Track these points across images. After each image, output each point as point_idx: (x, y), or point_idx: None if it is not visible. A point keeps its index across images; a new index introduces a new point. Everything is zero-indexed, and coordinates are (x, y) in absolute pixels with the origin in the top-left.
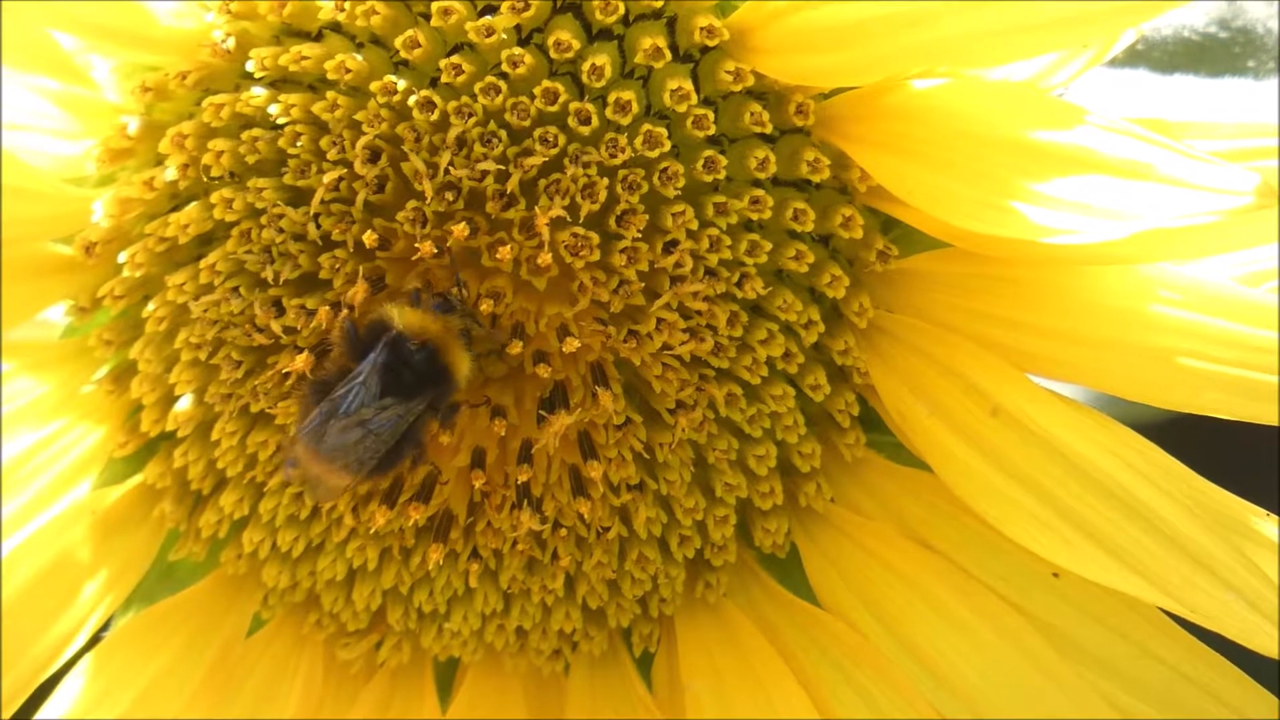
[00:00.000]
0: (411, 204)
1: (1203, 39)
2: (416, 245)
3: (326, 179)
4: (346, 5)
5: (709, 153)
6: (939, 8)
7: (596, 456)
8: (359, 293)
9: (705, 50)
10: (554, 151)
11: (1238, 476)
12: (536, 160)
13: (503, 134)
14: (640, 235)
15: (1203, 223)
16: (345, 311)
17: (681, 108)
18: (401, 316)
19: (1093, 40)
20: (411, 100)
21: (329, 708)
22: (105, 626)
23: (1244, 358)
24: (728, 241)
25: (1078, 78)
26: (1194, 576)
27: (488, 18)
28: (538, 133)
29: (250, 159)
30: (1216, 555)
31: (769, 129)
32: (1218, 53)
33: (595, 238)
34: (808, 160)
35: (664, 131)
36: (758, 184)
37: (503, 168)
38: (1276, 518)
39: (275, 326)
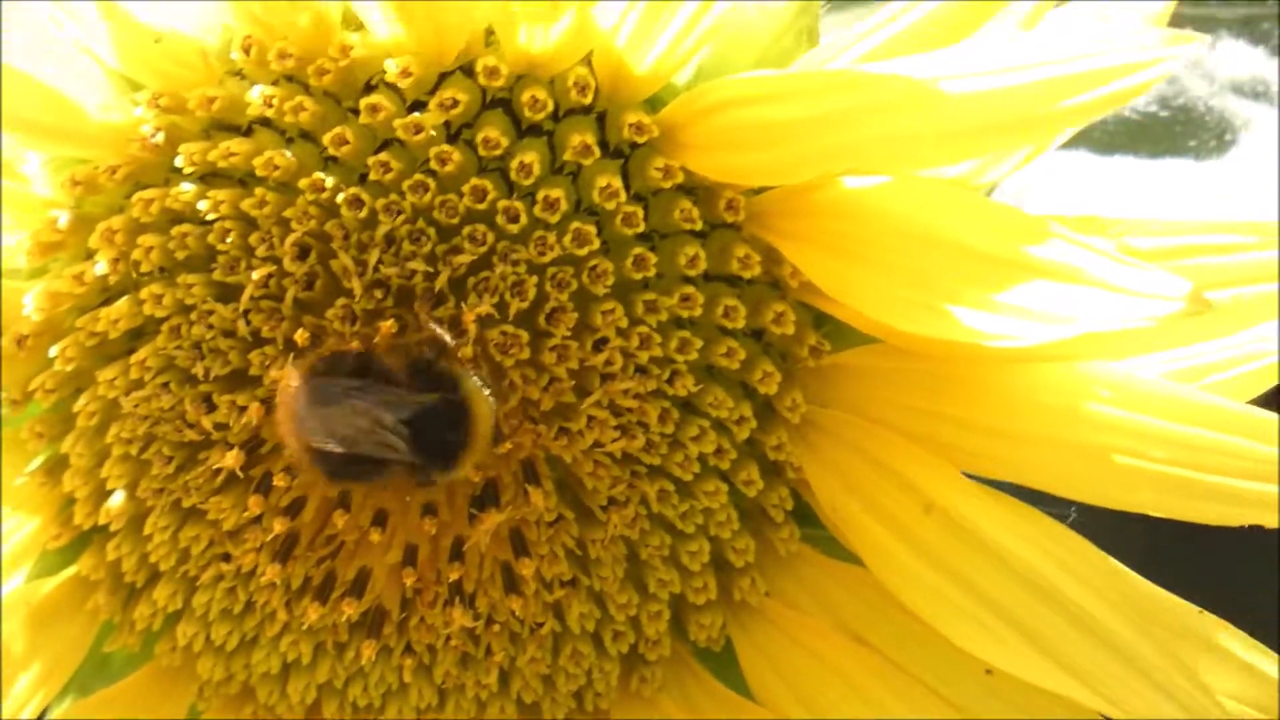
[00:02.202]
0: (341, 301)
1: (1143, 118)
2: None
3: (256, 275)
4: (275, 101)
5: (639, 250)
6: (866, 109)
7: (529, 553)
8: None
9: (635, 146)
10: (483, 249)
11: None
12: (465, 258)
13: (431, 231)
14: (570, 333)
15: (1135, 327)
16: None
17: (611, 205)
18: (480, 406)
19: (1028, 144)
20: (340, 197)
21: None
22: (40, 718)
23: (1178, 455)
24: (658, 339)
25: (1013, 173)
26: (1125, 676)
27: (416, 114)
28: (466, 230)
29: (180, 254)
30: (1146, 655)
31: (699, 225)
32: (1159, 132)
33: (525, 335)
34: (738, 256)
35: (593, 229)
36: (688, 280)
37: (430, 268)
38: (1209, 616)
39: (206, 423)
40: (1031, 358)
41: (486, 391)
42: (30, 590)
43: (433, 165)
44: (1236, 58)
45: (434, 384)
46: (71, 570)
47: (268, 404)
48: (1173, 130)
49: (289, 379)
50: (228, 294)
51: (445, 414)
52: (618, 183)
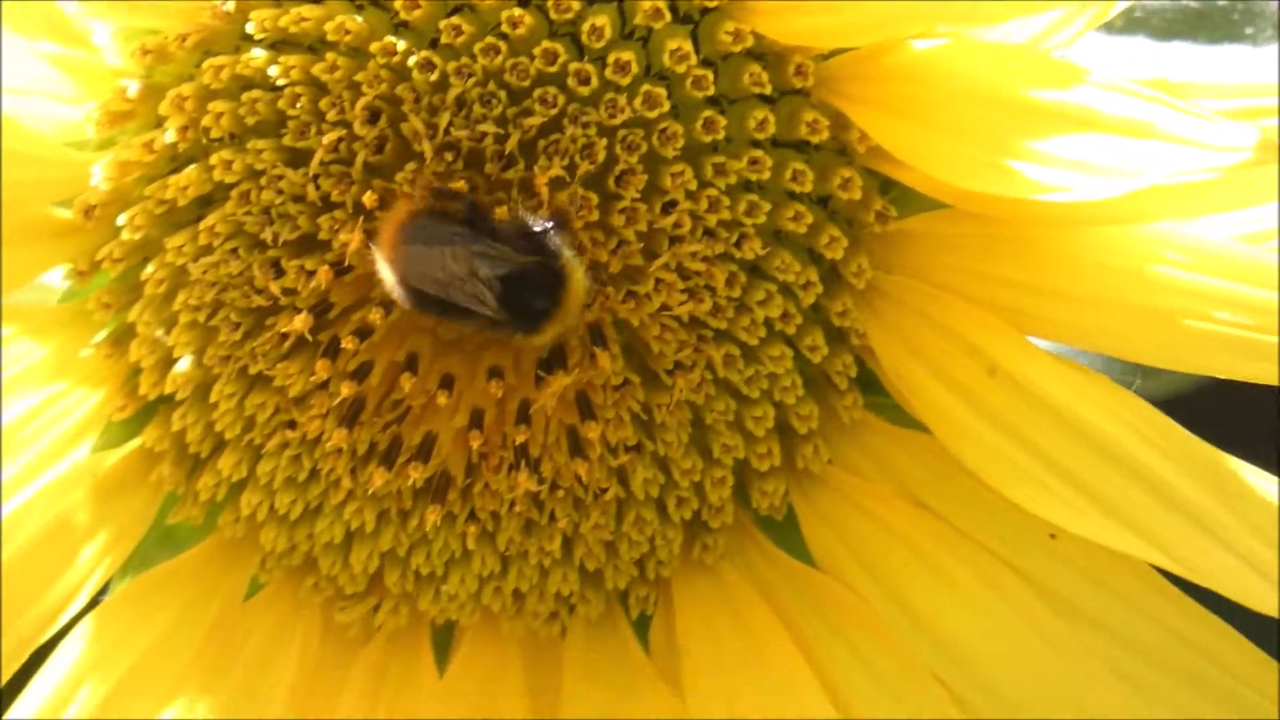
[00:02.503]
0: (410, 165)
1: (1201, 6)
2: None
3: (326, 140)
4: None
5: (708, 113)
6: None
7: (594, 417)
8: (354, 241)
9: (705, 11)
10: (553, 112)
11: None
12: (536, 120)
13: (502, 94)
14: (639, 196)
15: (1202, 179)
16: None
17: (681, 68)
18: (576, 280)
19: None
20: (411, 61)
21: (326, 670)
22: (104, 590)
23: (1245, 318)
24: (726, 202)
25: (1076, 40)
26: (1191, 535)
27: None
28: (537, 93)
29: (250, 120)
30: (1213, 514)
31: (768, 90)
32: (1216, 19)
33: (594, 198)
34: (807, 121)
35: (663, 92)
36: (757, 145)
37: (501, 130)
38: (1275, 478)
39: (274, 288)
40: (1098, 219)
41: (584, 268)
42: (95, 462)
43: (504, 29)
44: None
45: (537, 249)
46: (136, 442)
47: (337, 268)
48: (1230, 18)
49: (400, 211)
50: (297, 159)
51: (540, 279)
52: (688, 46)
